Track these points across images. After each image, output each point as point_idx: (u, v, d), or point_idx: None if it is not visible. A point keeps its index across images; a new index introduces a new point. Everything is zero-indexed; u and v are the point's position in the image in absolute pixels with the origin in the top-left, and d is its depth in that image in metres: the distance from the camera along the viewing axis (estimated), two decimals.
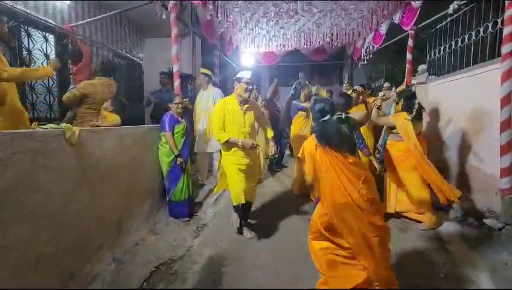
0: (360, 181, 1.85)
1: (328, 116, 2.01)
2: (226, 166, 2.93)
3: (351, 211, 1.83)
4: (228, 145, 2.81)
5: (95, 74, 3.62)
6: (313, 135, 2.04)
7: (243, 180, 2.82)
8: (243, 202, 2.83)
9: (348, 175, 1.86)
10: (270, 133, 3.07)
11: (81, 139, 2.12)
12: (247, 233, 2.97)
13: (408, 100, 3.21)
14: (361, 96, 4.10)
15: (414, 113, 3.10)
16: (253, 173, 3.02)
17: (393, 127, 3.31)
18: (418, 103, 3.15)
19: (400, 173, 3.22)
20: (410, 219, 3.22)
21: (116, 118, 3.13)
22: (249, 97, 2.88)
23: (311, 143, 2.01)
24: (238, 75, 2.87)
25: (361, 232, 1.83)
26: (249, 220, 3.13)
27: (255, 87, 2.95)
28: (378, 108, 3.31)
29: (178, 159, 3.25)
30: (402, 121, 3.12)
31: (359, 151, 2.41)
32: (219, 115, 2.80)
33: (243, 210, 2.93)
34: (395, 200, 3.30)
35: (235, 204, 2.89)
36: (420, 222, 3.12)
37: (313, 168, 1.97)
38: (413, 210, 3.20)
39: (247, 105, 2.86)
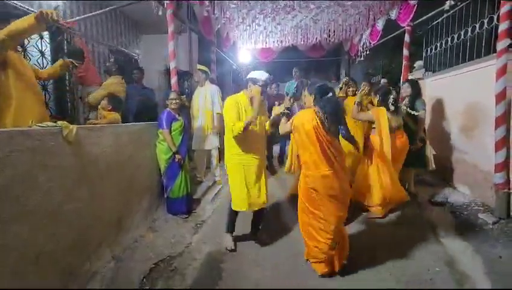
0: (340, 156, 2.16)
1: (331, 94, 2.19)
2: (231, 168, 2.64)
3: (332, 181, 2.10)
4: (236, 143, 2.56)
5: (109, 73, 3.69)
6: (311, 109, 2.20)
7: (250, 185, 2.60)
8: (244, 209, 2.62)
9: (332, 149, 2.11)
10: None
11: (79, 137, 2.12)
12: (265, 238, 2.84)
13: (383, 96, 3.35)
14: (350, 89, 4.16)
15: (391, 107, 3.27)
16: (261, 173, 2.69)
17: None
18: (393, 98, 3.30)
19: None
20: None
21: (115, 116, 3.19)
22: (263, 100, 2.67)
23: (308, 115, 2.15)
24: (253, 76, 2.60)
25: (338, 200, 2.13)
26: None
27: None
28: (358, 104, 3.36)
29: (176, 156, 3.25)
30: (379, 113, 3.24)
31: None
32: (234, 107, 2.53)
33: (254, 218, 2.84)
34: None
35: (235, 209, 2.65)
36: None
37: (301, 138, 2.16)
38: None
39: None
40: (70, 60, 2.88)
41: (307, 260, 2.38)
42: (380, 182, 3.21)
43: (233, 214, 2.74)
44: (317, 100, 2.19)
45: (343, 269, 2.25)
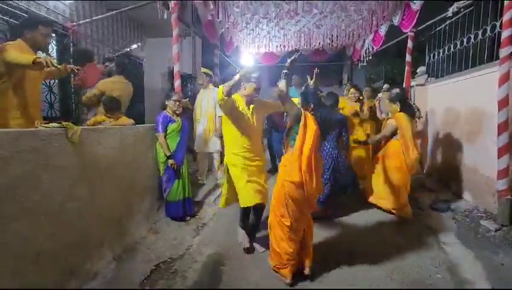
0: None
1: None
2: (233, 167, 2.59)
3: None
4: (236, 145, 2.57)
5: (110, 74, 3.71)
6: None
7: (254, 179, 2.55)
8: (258, 201, 2.52)
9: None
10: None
11: (83, 138, 2.14)
12: (258, 247, 2.73)
13: (404, 101, 3.41)
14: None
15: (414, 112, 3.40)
16: (262, 172, 2.70)
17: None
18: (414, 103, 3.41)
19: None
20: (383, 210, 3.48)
21: (128, 120, 3.30)
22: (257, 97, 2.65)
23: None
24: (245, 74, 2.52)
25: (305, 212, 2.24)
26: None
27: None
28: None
29: (169, 161, 3.17)
30: (401, 119, 3.30)
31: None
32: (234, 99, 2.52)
33: (252, 222, 2.76)
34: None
35: (244, 205, 2.56)
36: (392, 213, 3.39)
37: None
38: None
39: (253, 105, 2.62)
40: (71, 66, 2.75)
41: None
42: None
43: (245, 218, 2.72)
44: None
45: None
